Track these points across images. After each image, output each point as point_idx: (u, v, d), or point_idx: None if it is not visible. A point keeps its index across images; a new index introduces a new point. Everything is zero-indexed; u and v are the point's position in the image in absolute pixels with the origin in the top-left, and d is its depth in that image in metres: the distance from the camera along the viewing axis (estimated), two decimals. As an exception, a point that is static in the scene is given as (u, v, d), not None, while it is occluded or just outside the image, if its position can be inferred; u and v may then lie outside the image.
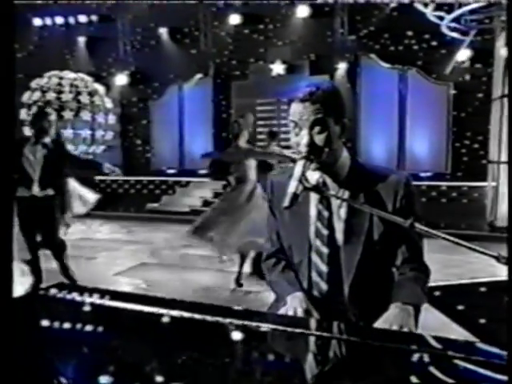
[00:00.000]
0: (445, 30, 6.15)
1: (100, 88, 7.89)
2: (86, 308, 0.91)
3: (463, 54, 6.58)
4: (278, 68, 7.52)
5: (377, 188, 1.16)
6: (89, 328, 0.84)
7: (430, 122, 6.95)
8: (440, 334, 0.79)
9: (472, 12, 5.81)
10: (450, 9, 5.92)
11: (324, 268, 1.18)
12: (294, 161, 1.12)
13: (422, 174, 6.76)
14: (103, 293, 0.94)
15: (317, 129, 1.11)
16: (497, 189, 5.93)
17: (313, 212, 1.19)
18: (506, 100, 5.63)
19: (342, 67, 7.17)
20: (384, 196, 1.15)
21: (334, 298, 1.16)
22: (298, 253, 1.21)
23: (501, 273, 1.05)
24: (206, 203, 7.00)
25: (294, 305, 1.12)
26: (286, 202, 1.02)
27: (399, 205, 1.15)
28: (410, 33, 6.95)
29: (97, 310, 0.89)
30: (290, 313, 1.10)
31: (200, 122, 7.95)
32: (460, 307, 2.75)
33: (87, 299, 0.93)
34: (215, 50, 7.93)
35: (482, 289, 3.18)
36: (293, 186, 1.03)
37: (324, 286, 1.18)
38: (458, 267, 4.12)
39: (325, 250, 1.17)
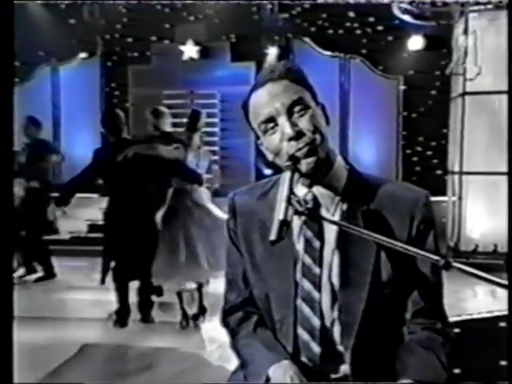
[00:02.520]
0: (396, 12, 6.39)
1: None
2: None
3: (416, 42, 6.75)
4: (189, 50, 7.29)
5: (386, 209, 1.11)
6: None
7: (377, 122, 7.10)
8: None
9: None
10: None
11: (316, 322, 1.12)
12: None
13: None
14: None
15: (297, 108, 1.08)
16: (460, 205, 6.24)
17: (298, 241, 1.14)
18: (468, 98, 5.97)
19: (271, 53, 7.10)
20: (396, 221, 1.11)
21: (331, 367, 1.11)
22: (279, 303, 1.15)
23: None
24: (95, 228, 6.60)
25: (282, 380, 1.05)
26: (273, 235, 0.96)
27: (416, 233, 1.12)
28: (352, 14, 7.10)
29: None
30: None
31: (83, 117, 7.37)
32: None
33: None
34: (104, 21, 7.44)
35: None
36: (281, 211, 0.97)
37: (316, 349, 1.12)
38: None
39: (316, 295, 1.12)
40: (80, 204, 7.21)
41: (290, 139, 1.08)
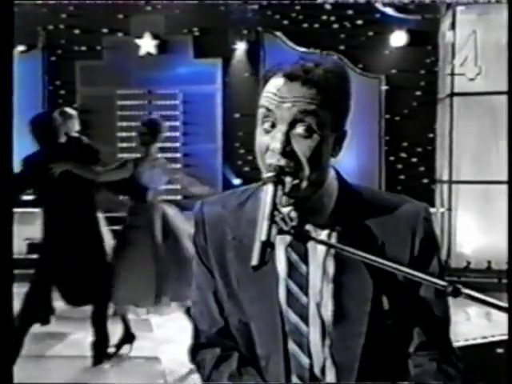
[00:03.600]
0: (377, 4, 6.45)
1: None
2: None
3: (399, 38, 6.79)
4: (146, 44, 7.20)
5: (384, 226, 1.10)
6: None
7: (356, 126, 6.71)
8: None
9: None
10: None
11: (305, 361, 1.10)
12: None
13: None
14: None
15: (301, 128, 1.03)
16: (449, 217, 6.30)
17: (281, 264, 1.12)
18: (456, 99, 6.05)
19: (240, 48, 7.08)
20: (396, 239, 1.11)
21: None
22: (263, 336, 1.12)
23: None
24: (36, 248, 6.41)
25: None
26: (255, 259, 0.93)
27: (419, 252, 1.11)
28: (329, 6, 7.11)
29: None
30: None
31: (21, 120, 7.19)
32: None
33: None
34: (46, 10, 7.25)
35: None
36: (264, 230, 0.95)
37: None
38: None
39: (305, 329, 1.10)
40: (18, 220, 6.98)
41: (274, 151, 1.05)
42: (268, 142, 1.06)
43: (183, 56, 7.20)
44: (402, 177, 7.17)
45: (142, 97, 7.26)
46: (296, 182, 1.06)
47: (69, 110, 4.45)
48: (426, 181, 6.96)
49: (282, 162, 1.04)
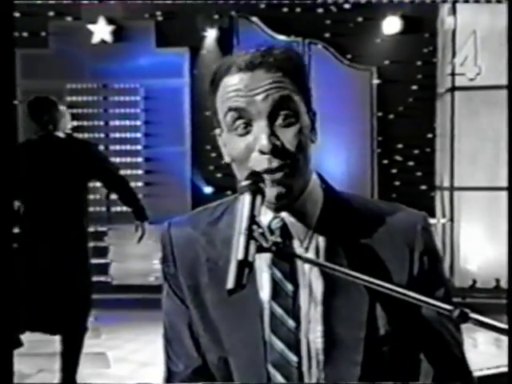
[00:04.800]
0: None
1: None
2: None
3: (392, 25, 6.81)
4: (101, 31, 7.14)
5: (378, 241, 1.13)
6: None
7: (345, 126, 7.07)
8: None
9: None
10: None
11: None
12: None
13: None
14: None
15: (281, 118, 1.08)
16: (451, 229, 6.30)
17: (262, 285, 1.14)
18: (458, 94, 6.06)
19: (210, 36, 7.06)
20: (392, 254, 1.12)
21: None
22: (244, 372, 1.13)
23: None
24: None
25: None
26: (231, 282, 0.94)
27: (419, 269, 1.13)
28: (311, -12, 7.17)
29: None
30: None
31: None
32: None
33: None
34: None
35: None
36: (240, 248, 0.95)
37: None
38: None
39: (292, 357, 1.11)
40: None
41: (263, 152, 1.07)
42: (248, 146, 1.08)
43: (144, 45, 7.14)
44: (396, 183, 7.19)
45: (95, 92, 7.19)
46: (282, 189, 1.08)
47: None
48: (424, 187, 7.00)
49: (275, 163, 1.07)
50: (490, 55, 5.91)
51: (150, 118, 7.20)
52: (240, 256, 0.96)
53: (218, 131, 1.18)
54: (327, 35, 7.17)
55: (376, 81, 7.13)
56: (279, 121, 1.09)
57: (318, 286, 1.14)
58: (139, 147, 7.25)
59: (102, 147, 7.04)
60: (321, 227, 1.16)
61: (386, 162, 7.21)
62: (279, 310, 1.14)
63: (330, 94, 7.02)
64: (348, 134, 7.17)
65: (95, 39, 7.19)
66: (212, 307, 1.16)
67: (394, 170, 7.22)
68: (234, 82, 1.09)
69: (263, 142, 1.06)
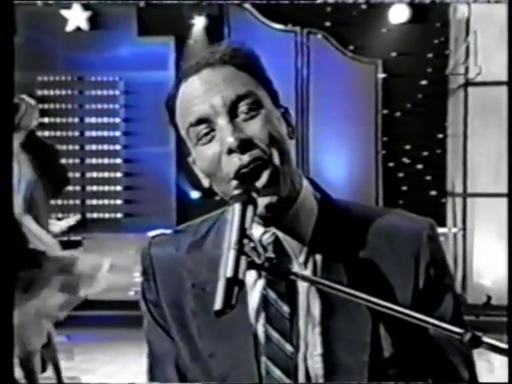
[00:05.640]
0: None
1: None
2: None
3: (399, 13, 6.83)
4: (76, 17, 7.17)
5: (379, 254, 1.15)
6: None
7: (347, 124, 7.13)
8: None
9: None
10: None
11: None
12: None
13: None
14: None
15: (242, 112, 1.11)
16: (464, 239, 6.27)
17: (256, 308, 1.16)
18: (472, 91, 6.05)
19: (198, 24, 7.08)
20: (395, 269, 1.14)
21: None
22: None
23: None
24: None
25: None
26: (219, 302, 0.95)
27: (424, 284, 1.14)
28: (311, -28, 7.18)
29: None
30: None
31: None
32: None
33: None
34: None
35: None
36: (229, 264, 0.97)
37: None
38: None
39: None
40: None
41: (230, 151, 1.09)
42: (215, 153, 1.10)
43: (124, 33, 7.15)
44: (403, 188, 7.16)
45: (70, 85, 7.20)
46: (272, 189, 1.10)
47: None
48: (434, 193, 7.02)
49: (245, 158, 1.08)
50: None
51: (131, 114, 7.21)
52: (229, 273, 0.96)
53: (190, 159, 1.19)
54: (328, 24, 7.16)
55: (381, 75, 7.14)
56: (241, 115, 1.11)
57: (316, 306, 1.15)
58: (118, 147, 7.24)
59: (76, 147, 7.08)
60: (317, 240, 1.17)
61: (391, 164, 7.19)
62: (275, 335, 1.15)
63: (331, 89, 7.09)
64: (350, 133, 7.17)
65: (70, 26, 7.20)
66: (199, 337, 1.17)
67: (401, 174, 7.19)
68: (187, 91, 1.14)
69: (228, 139, 1.08)
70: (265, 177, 1.10)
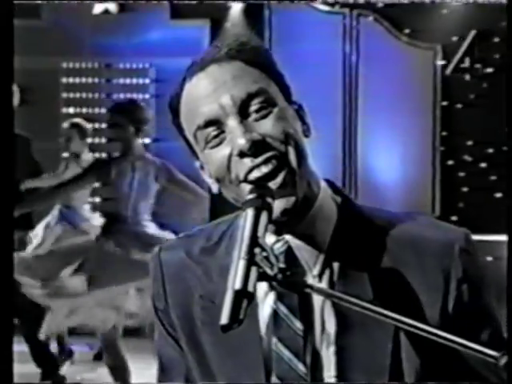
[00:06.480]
0: None
1: None
2: None
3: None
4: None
5: (405, 266, 1.15)
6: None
7: (401, 117, 7.08)
8: None
9: None
10: None
11: None
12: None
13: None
14: None
15: (256, 105, 1.13)
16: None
17: (267, 323, 1.18)
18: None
19: (235, 6, 7.17)
20: (421, 282, 1.15)
21: None
22: None
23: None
24: None
25: None
26: (225, 316, 0.96)
27: (455, 301, 1.15)
28: None
29: None
30: None
31: None
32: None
33: None
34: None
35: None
36: (239, 275, 0.99)
37: None
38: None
39: None
40: None
41: (242, 154, 1.10)
42: (225, 155, 1.12)
43: (156, 16, 7.26)
44: (464, 189, 7.10)
45: (96, 72, 7.34)
46: (287, 194, 1.11)
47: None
48: (499, 195, 6.87)
49: (258, 160, 1.10)
50: None
51: (162, 104, 7.18)
52: (238, 285, 0.98)
53: (198, 164, 1.22)
54: (380, 5, 7.12)
55: (441, 62, 7.09)
56: (253, 115, 1.13)
57: (331, 323, 1.17)
58: (148, 140, 7.25)
59: (103, 139, 7.15)
60: (334, 251, 1.18)
61: (451, 162, 7.14)
62: (287, 353, 1.17)
63: (383, 77, 7.05)
64: (404, 127, 7.13)
65: (97, 9, 7.32)
66: (209, 349, 1.20)
67: (462, 174, 7.15)
68: (190, 91, 1.16)
69: (239, 141, 1.09)
70: (280, 177, 1.12)
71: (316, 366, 1.17)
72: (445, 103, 7.11)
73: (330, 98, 7.18)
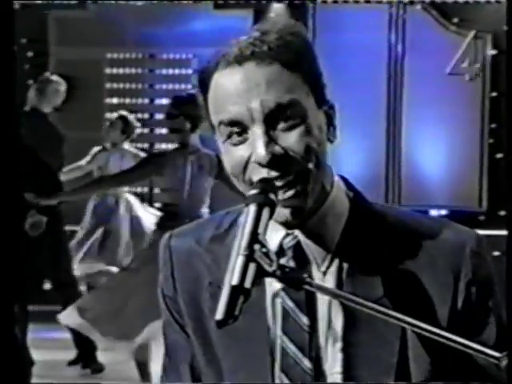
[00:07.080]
0: None
1: None
2: None
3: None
4: None
5: (413, 264, 1.16)
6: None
7: (448, 110, 7.06)
8: None
9: None
10: None
11: None
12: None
13: (432, 213, 6.84)
14: None
15: (282, 122, 1.11)
16: None
17: (272, 316, 1.19)
18: None
19: None
20: (430, 282, 1.15)
21: None
22: None
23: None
24: None
25: None
26: (220, 311, 0.98)
27: (463, 302, 1.15)
28: None
29: None
30: None
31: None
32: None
33: None
34: None
35: None
36: (236, 271, 1.01)
37: None
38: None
39: None
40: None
41: (260, 164, 1.09)
42: (244, 157, 1.11)
43: (199, 6, 7.34)
44: (513, 183, 6.93)
45: (140, 62, 7.40)
46: (296, 203, 1.11)
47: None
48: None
49: (273, 173, 1.10)
50: None
51: (207, 95, 7.26)
52: (235, 281, 0.99)
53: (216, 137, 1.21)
54: (428, -7, 7.00)
55: (491, 51, 7.06)
56: (280, 124, 1.10)
57: (338, 319, 1.16)
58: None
59: (145, 130, 7.21)
60: (344, 247, 1.18)
61: (499, 156, 7.03)
62: (292, 347, 1.17)
63: (430, 67, 6.94)
64: (451, 119, 7.10)
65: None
66: (215, 338, 1.21)
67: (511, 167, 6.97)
68: (223, 81, 1.11)
69: (260, 151, 1.08)
70: (293, 191, 1.11)
71: (321, 362, 1.17)
72: (494, 94, 7.05)
73: (375, 89, 7.21)
